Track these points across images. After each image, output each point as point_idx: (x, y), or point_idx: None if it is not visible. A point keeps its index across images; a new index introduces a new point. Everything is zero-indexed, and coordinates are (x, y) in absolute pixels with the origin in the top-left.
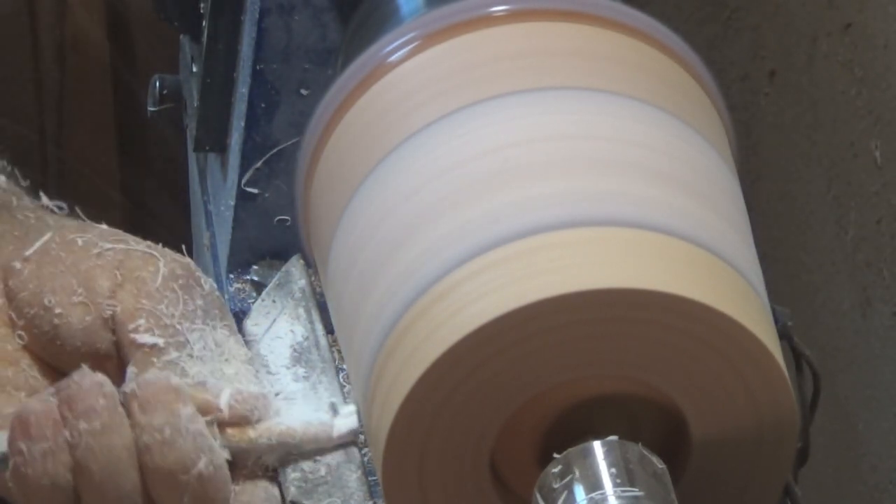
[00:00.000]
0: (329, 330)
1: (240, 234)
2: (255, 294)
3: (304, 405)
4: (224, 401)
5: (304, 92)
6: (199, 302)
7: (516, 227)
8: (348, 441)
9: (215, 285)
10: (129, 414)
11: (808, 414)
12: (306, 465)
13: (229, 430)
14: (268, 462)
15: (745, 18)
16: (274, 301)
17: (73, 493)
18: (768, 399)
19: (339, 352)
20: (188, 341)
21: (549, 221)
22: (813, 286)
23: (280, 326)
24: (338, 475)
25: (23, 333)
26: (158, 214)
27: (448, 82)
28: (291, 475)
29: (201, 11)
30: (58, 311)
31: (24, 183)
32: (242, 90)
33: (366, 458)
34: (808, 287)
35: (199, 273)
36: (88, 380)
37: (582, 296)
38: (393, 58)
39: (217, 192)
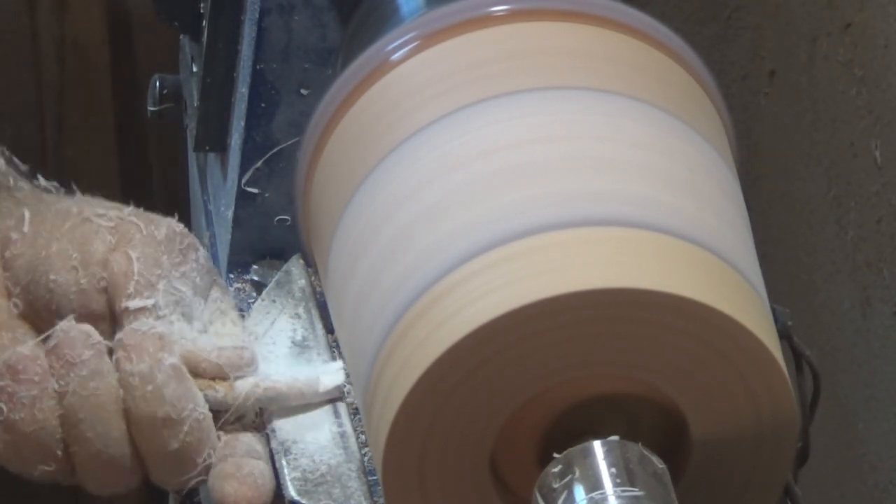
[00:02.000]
0: (329, 330)
1: (240, 234)
2: (255, 294)
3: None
4: (210, 354)
5: (304, 92)
6: (193, 265)
7: (516, 227)
8: (335, 396)
9: (208, 255)
10: (115, 362)
11: (808, 414)
12: (306, 464)
13: (214, 383)
14: (253, 417)
15: (745, 18)
16: (274, 301)
17: (61, 443)
18: (768, 399)
19: (340, 352)
20: (180, 302)
21: (549, 221)
22: (813, 286)
23: (280, 326)
24: (338, 475)
25: (18, 301)
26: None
27: (448, 82)
28: (291, 475)
29: (201, 11)
30: (52, 276)
31: (24, 168)
32: (242, 90)
33: (366, 458)
34: (808, 287)
35: (192, 239)
36: (75, 330)
37: (582, 296)
38: (393, 57)
39: (217, 192)
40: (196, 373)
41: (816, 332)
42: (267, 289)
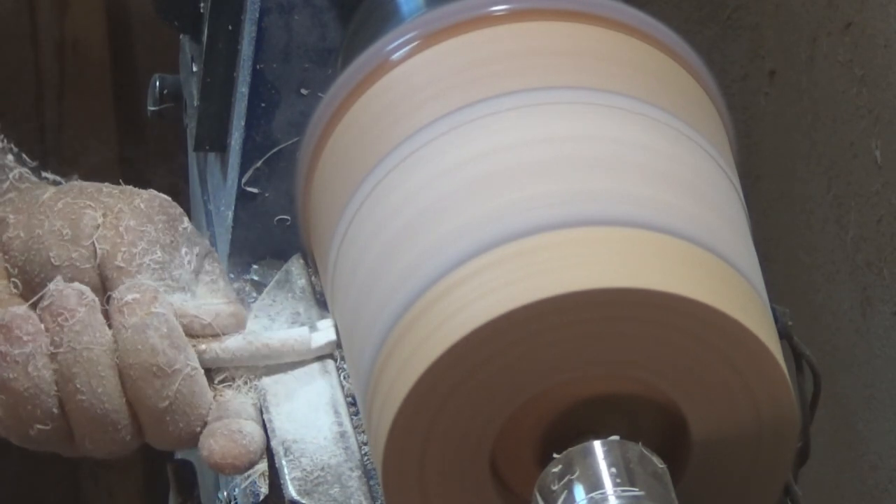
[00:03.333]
0: None
1: (240, 234)
2: (255, 294)
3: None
4: (200, 311)
5: (304, 91)
6: (181, 235)
7: (516, 227)
8: (326, 353)
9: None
10: (108, 317)
11: (808, 413)
12: (306, 464)
13: (206, 340)
14: (245, 374)
15: (745, 18)
16: (274, 300)
17: (56, 401)
18: (768, 398)
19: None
20: (166, 267)
21: (549, 221)
22: (813, 286)
23: (279, 326)
24: (338, 475)
25: (17, 282)
26: None
27: (448, 82)
28: (291, 475)
29: (201, 11)
30: (46, 253)
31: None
32: (242, 90)
33: (366, 458)
34: (808, 287)
35: (179, 210)
36: (68, 288)
37: (582, 295)
38: (393, 57)
39: (217, 191)
40: (188, 331)
41: (816, 332)
42: (267, 289)
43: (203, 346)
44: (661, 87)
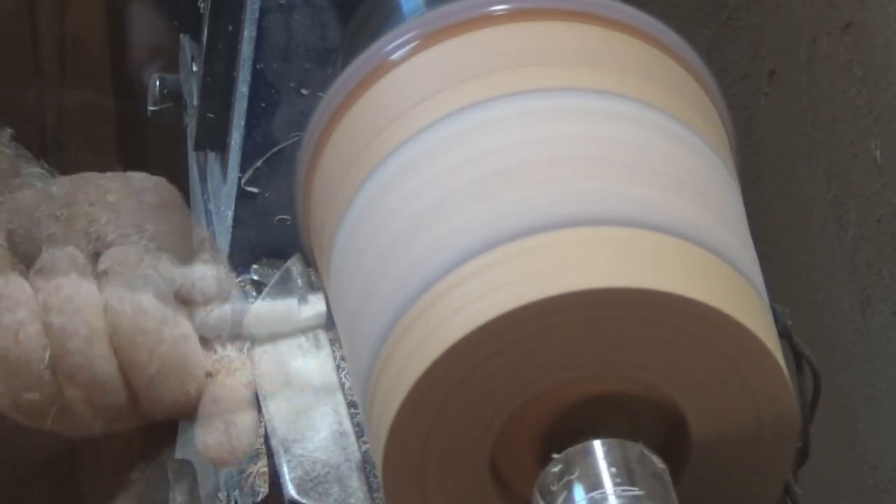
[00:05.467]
0: (329, 329)
1: (240, 234)
2: (255, 294)
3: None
4: (190, 278)
5: (304, 91)
6: (177, 219)
7: (516, 227)
8: (316, 324)
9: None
10: (97, 281)
11: (808, 413)
12: (306, 464)
13: (195, 307)
14: (237, 346)
15: (745, 18)
16: (274, 300)
17: (49, 371)
18: (768, 398)
19: (341, 351)
20: (155, 239)
21: (549, 221)
22: (813, 286)
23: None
24: (338, 474)
25: (23, 268)
26: None
27: (448, 82)
28: (291, 474)
29: (201, 11)
30: (42, 233)
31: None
32: (242, 89)
33: (366, 458)
34: (808, 287)
35: (175, 194)
36: (60, 252)
37: (582, 295)
38: (393, 57)
39: (217, 191)
40: (176, 297)
41: (816, 332)
42: (267, 289)
43: (195, 314)
44: (660, 87)
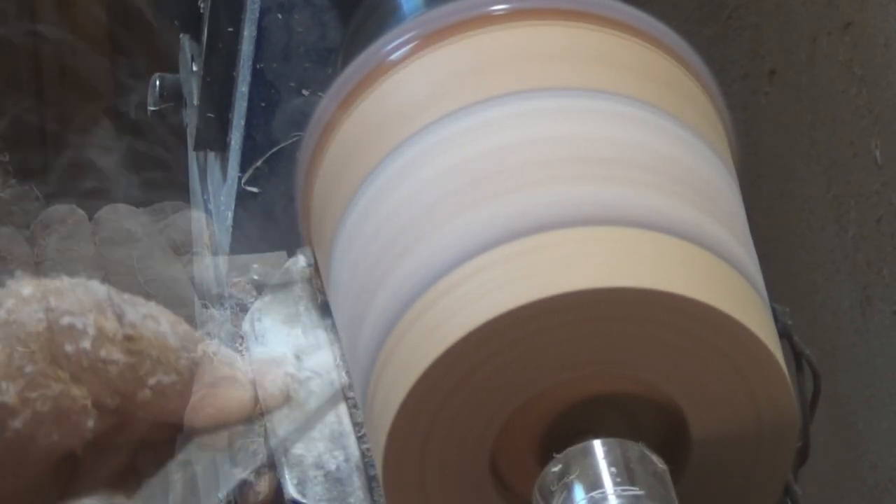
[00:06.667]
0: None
1: (240, 234)
2: (255, 293)
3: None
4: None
5: (304, 91)
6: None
7: (516, 227)
8: (303, 276)
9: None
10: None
11: (808, 413)
12: (306, 464)
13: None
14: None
15: (745, 18)
16: (274, 300)
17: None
18: (768, 398)
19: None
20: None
21: (549, 220)
22: (813, 286)
23: (279, 326)
24: (338, 475)
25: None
26: None
27: (447, 82)
28: (291, 475)
29: (201, 11)
30: None
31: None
32: (242, 89)
33: (366, 458)
34: (808, 287)
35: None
36: (61, 206)
37: (581, 295)
38: (393, 57)
39: (217, 191)
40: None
41: (816, 332)
42: (267, 289)
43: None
44: (660, 87)
